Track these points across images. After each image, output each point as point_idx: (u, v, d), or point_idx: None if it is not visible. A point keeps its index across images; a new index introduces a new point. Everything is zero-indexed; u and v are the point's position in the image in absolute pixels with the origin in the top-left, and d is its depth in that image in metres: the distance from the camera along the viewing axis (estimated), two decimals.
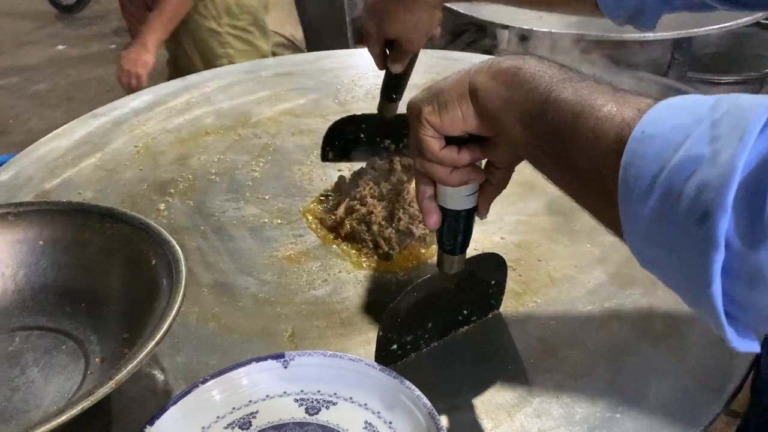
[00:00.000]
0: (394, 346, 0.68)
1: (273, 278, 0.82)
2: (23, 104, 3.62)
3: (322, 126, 1.15)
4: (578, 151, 0.42)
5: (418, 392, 0.60)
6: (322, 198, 0.96)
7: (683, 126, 0.35)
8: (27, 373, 0.68)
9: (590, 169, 0.41)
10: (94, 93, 3.65)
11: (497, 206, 0.90)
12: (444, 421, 0.57)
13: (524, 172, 0.59)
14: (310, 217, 0.93)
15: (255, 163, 1.06)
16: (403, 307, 0.66)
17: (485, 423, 0.62)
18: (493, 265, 0.72)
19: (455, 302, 0.71)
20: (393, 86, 0.91)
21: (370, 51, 0.87)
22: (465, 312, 0.72)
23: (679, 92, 1.39)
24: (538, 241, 0.85)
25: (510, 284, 0.77)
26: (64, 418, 0.51)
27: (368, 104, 1.22)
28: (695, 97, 0.38)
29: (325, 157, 1.00)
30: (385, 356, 0.67)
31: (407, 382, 0.61)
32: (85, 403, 0.53)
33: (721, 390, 0.63)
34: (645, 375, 0.65)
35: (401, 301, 0.66)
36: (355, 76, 1.32)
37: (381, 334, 0.66)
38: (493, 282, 0.73)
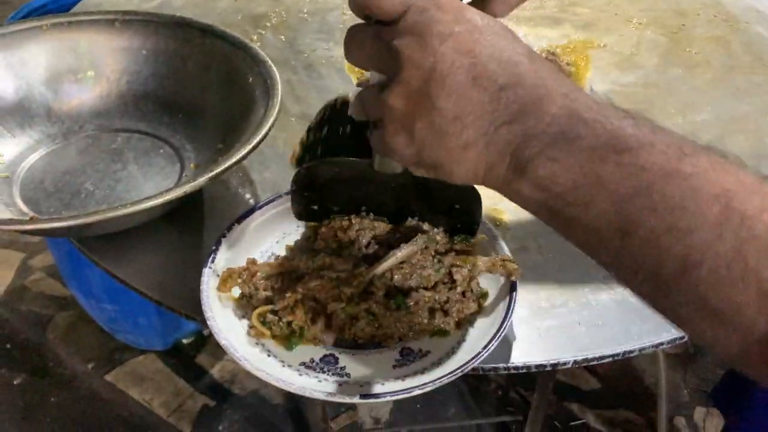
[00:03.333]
0: (315, 207, 0.59)
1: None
2: None
3: None
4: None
5: (490, 225, 0.62)
6: None
7: None
8: (128, 168, 0.73)
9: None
10: None
11: None
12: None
13: None
14: None
15: (347, 7, 1.04)
16: (323, 176, 0.56)
17: (551, 265, 0.64)
18: (456, 187, 0.49)
19: (401, 206, 0.58)
20: None
21: None
22: (415, 220, 0.59)
23: None
24: None
25: None
26: (171, 196, 0.56)
27: None
28: None
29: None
30: (303, 214, 0.60)
31: (483, 220, 0.63)
32: (188, 188, 0.57)
33: None
34: None
35: (321, 167, 0.56)
36: None
37: (294, 189, 0.58)
38: (457, 206, 0.57)
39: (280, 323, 0.54)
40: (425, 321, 0.53)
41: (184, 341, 1.54)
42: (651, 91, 0.87)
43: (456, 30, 0.37)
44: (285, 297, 0.55)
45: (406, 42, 0.38)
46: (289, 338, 0.54)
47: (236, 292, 0.58)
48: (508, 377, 1.41)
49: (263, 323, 0.55)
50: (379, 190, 0.56)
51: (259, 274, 0.58)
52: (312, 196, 0.58)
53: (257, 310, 0.56)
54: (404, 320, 0.54)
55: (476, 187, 0.54)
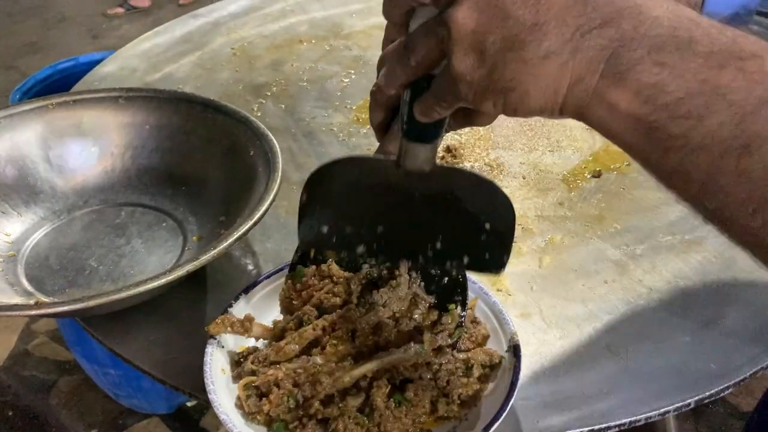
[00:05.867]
0: (324, 229, 0.52)
1: None
2: None
3: None
4: None
5: (495, 299, 0.62)
6: None
7: None
8: (132, 243, 0.74)
9: None
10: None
11: (579, 130, 0.90)
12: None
13: None
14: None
15: (345, 74, 1.08)
16: (340, 179, 0.50)
17: (554, 332, 0.64)
18: (489, 200, 0.48)
19: (422, 221, 0.51)
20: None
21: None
22: (438, 245, 0.52)
23: None
24: (623, 169, 0.85)
25: (591, 210, 0.78)
26: (172, 277, 0.57)
27: None
28: None
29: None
30: (309, 235, 0.52)
31: (486, 290, 0.63)
32: (190, 267, 0.58)
33: None
34: (721, 304, 0.66)
35: (338, 167, 0.49)
36: None
37: (304, 199, 0.51)
38: (487, 225, 0.50)
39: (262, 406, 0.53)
40: (428, 411, 0.53)
41: (189, 404, 1.52)
42: None
43: None
44: (266, 373, 0.55)
45: None
46: (272, 424, 0.53)
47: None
48: None
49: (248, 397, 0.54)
50: (401, 201, 0.49)
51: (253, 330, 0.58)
52: (324, 209, 0.51)
53: (242, 381, 0.56)
54: (408, 416, 0.52)
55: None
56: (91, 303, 0.54)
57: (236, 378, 0.57)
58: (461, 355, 0.56)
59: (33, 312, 0.55)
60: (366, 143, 0.92)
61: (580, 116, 0.34)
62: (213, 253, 0.59)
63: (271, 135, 0.74)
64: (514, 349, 0.57)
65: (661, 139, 0.32)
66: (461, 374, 0.55)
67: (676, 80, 0.31)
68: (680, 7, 0.32)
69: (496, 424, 0.51)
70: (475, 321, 0.61)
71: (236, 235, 0.61)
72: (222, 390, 0.55)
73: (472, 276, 0.64)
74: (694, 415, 1.50)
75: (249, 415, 0.54)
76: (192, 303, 0.68)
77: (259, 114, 0.97)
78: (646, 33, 0.31)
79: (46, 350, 1.69)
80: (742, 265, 0.69)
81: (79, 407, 1.55)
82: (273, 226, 0.77)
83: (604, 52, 0.32)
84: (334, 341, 0.56)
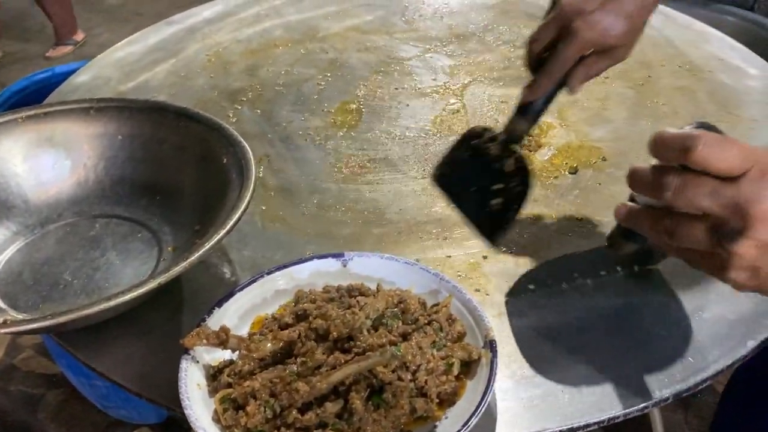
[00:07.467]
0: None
1: (335, 186, 0.84)
2: (96, 18, 3.71)
3: (388, 43, 1.15)
4: None
5: (470, 296, 0.62)
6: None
7: None
8: (106, 255, 0.73)
9: None
10: (163, 9, 3.69)
11: (556, 128, 0.90)
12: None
13: None
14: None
15: (321, 77, 1.07)
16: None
17: (531, 331, 0.64)
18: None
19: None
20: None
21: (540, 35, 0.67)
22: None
23: (764, 29, 1.31)
24: (599, 165, 0.85)
25: (568, 206, 0.78)
26: (144, 290, 0.56)
27: (435, 23, 1.21)
28: None
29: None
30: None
31: (461, 288, 0.63)
32: (162, 279, 0.57)
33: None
34: (699, 297, 0.66)
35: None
36: None
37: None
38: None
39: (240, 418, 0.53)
40: (407, 412, 0.52)
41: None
42: (621, 144, 0.88)
43: None
44: (243, 385, 0.54)
45: (755, 201, 0.44)
46: None
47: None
48: None
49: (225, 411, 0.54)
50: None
51: (230, 342, 0.57)
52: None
53: (219, 394, 0.55)
54: (387, 418, 0.52)
55: None
56: (61, 319, 0.53)
57: (213, 392, 0.56)
58: (440, 353, 0.56)
59: (1, 331, 0.54)
60: (342, 146, 0.91)
61: None
62: (184, 264, 0.58)
63: (244, 142, 0.73)
64: (491, 345, 0.57)
65: None
66: (441, 372, 0.55)
67: None
68: None
69: (475, 420, 0.51)
70: (450, 318, 0.61)
71: (208, 245, 0.60)
72: (198, 405, 0.54)
73: (446, 276, 0.64)
74: (683, 405, 1.50)
75: (227, 429, 0.53)
76: (169, 314, 0.68)
77: (234, 120, 0.97)
78: None
79: (33, 364, 1.67)
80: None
81: (68, 420, 1.53)
82: (250, 233, 0.77)
83: None
84: (310, 343, 0.56)
